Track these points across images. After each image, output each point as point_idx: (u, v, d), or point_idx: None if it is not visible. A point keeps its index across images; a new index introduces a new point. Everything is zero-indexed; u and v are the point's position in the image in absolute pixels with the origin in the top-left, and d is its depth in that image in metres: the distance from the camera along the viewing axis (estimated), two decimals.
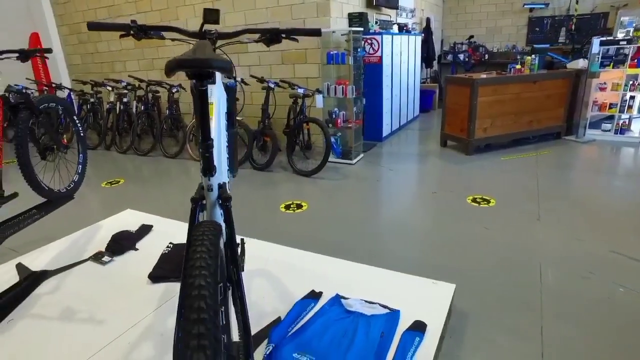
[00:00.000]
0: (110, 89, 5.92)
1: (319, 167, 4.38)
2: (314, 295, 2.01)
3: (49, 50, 2.40)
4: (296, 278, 2.22)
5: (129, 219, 2.98)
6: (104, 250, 2.48)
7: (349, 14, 5.23)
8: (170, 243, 2.54)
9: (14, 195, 2.19)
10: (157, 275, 2.18)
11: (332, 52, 4.60)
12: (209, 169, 1.11)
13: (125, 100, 5.78)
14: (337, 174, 4.54)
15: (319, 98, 4.53)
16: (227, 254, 1.18)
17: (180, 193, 4.23)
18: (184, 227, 1.23)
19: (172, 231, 2.71)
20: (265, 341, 1.69)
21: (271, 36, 1.49)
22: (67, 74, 7.60)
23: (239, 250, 1.40)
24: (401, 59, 6.02)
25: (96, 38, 7.03)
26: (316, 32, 1.49)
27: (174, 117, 5.50)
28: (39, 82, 6.86)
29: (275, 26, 1.55)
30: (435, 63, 9.27)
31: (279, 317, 1.86)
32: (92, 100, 6.10)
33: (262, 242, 2.69)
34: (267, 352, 1.60)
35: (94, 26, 1.36)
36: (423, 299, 1.96)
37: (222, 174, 1.46)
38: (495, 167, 4.54)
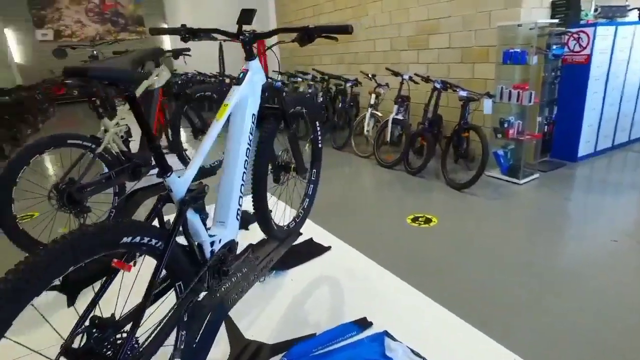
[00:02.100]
0: (300, 80, 6.61)
1: (471, 181, 3.84)
2: (362, 323, 1.81)
3: (187, 50, 2.83)
4: (362, 297, 2.05)
5: None
6: None
7: (552, 2, 4.29)
8: None
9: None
10: None
11: (510, 50, 3.89)
12: (162, 169, 1.10)
13: (309, 91, 6.37)
14: (494, 192, 3.89)
15: (487, 103, 3.93)
16: None
17: (329, 182, 4.42)
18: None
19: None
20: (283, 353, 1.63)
21: (302, 35, 1.38)
22: (278, 66, 8.85)
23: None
24: (630, 57, 4.60)
25: None
26: (344, 30, 1.31)
27: (346, 110, 5.73)
28: None
29: (306, 25, 1.43)
30: None
31: (314, 334, 1.76)
32: (285, 90, 6.95)
33: (349, 248, 2.59)
34: None
35: (154, 31, 1.53)
36: None
37: (230, 226, 1.40)
38: None
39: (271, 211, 2.56)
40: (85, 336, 0.94)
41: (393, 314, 1.89)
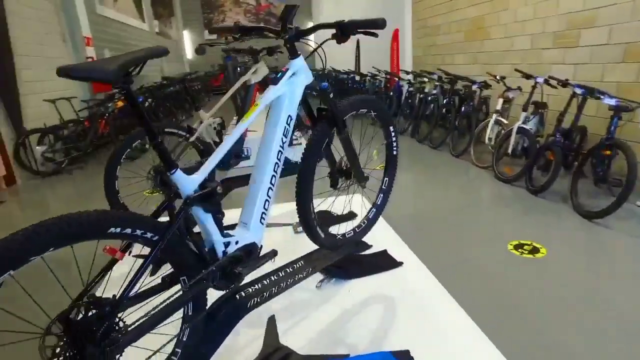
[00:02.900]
0: (427, 80, 6.25)
1: (608, 209, 3.10)
2: (402, 356, 1.60)
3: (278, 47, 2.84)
4: (416, 328, 1.81)
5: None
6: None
7: None
8: None
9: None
10: None
11: None
12: (167, 166, 1.10)
13: (434, 92, 5.97)
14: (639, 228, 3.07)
15: None
16: None
17: (433, 191, 4.12)
18: None
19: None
20: None
21: (336, 32, 1.25)
22: (411, 65, 8.54)
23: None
24: None
25: (435, 31, 7.47)
26: (378, 24, 1.13)
27: (468, 114, 5.21)
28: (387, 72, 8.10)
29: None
30: None
31: (348, 354, 1.62)
32: (410, 89, 6.66)
33: (424, 270, 2.32)
34: None
35: (213, 30, 1.56)
36: None
37: (252, 229, 1.34)
38: None
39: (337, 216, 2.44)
40: (80, 311, 1.01)
41: (445, 357, 1.63)
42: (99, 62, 1.01)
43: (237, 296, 1.42)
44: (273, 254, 1.43)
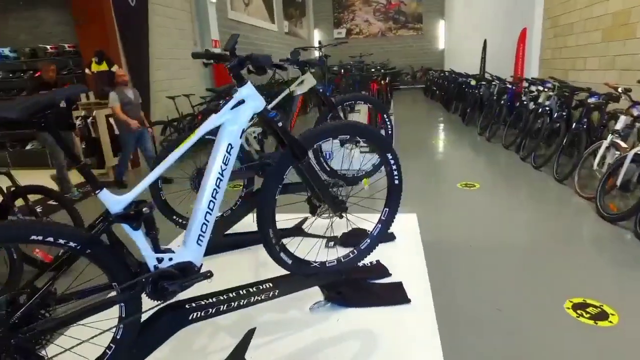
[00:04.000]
0: (541, 89, 5.45)
1: None
2: None
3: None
4: None
5: None
6: None
7: None
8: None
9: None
10: None
11: None
12: (93, 186, 1.23)
13: (547, 103, 5.17)
14: None
15: None
16: None
17: (513, 215, 3.63)
18: None
19: None
20: None
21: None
22: (537, 69, 7.49)
23: None
24: None
25: (567, 30, 6.39)
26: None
27: (579, 132, 4.37)
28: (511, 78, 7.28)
29: None
30: None
31: None
32: (523, 99, 5.89)
33: (432, 316, 2.09)
34: None
35: (195, 55, 1.64)
36: None
37: (187, 249, 1.36)
38: None
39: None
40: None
41: None
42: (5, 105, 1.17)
43: (179, 308, 1.52)
44: (208, 274, 1.48)
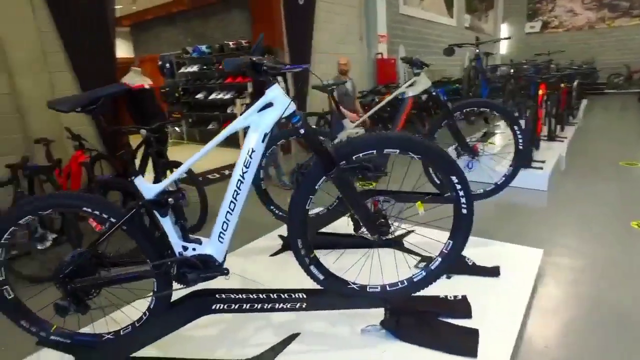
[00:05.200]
0: None
1: None
2: None
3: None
4: None
5: None
6: None
7: None
8: None
9: None
10: None
11: None
12: (129, 173, 1.36)
13: None
14: None
15: None
16: None
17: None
18: None
19: None
20: None
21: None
22: None
23: None
24: None
25: None
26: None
27: None
28: None
29: None
30: None
31: None
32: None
33: None
34: None
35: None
36: None
37: (210, 243, 1.33)
38: None
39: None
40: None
41: None
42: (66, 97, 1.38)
43: (205, 296, 1.58)
44: (225, 272, 1.50)
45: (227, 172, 5.61)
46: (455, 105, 2.52)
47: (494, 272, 2.31)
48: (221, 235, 1.48)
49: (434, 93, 2.54)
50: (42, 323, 1.58)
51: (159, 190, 1.44)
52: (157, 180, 3.38)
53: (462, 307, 2.02)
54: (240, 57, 1.37)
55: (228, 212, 1.46)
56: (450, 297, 2.10)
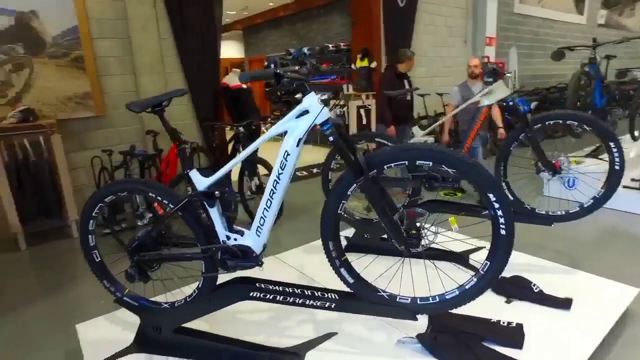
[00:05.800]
0: None
1: None
2: None
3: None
4: None
5: None
6: None
7: None
8: None
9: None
10: None
11: None
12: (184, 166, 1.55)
13: None
14: None
15: None
16: None
17: None
18: None
19: None
20: None
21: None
22: None
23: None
24: None
25: None
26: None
27: None
28: None
29: None
30: None
31: None
32: None
33: None
34: None
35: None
36: None
37: (250, 235, 1.44)
38: None
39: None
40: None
41: None
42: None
43: (246, 283, 1.71)
44: (259, 263, 1.62)
45: (315, 170, 5.83)
46: (536, 116, 2.29)
47: (564, 304, 2.06)
48: (259, 229, 1.60)
49: (511, 103, 2.34)
50: (119, 285, 1.89)
51: (209, 183, 1.62)
52: (241, 174, 3.70)
53: (514, 335, 1.85)
54: (266, 69, 1.49)
55: (265, 209, 1.57)
56: (504, 322, 1.94)
